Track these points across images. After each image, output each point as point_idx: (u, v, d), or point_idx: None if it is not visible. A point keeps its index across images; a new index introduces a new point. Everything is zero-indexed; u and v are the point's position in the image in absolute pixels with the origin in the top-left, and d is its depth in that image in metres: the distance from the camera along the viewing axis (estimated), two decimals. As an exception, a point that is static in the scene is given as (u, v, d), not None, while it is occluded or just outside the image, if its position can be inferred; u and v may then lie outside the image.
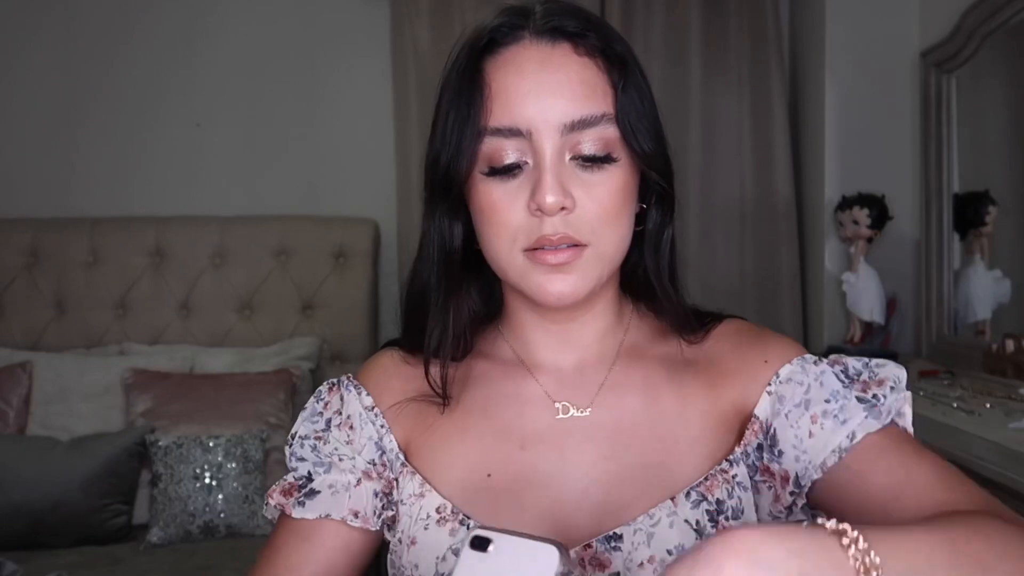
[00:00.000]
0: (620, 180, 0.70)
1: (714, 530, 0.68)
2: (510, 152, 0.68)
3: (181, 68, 2.77)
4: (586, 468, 0.72)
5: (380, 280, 2.70)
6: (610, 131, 0.69)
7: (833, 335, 2.53)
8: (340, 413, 0.78)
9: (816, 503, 0.70)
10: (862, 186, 2.40)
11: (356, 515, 0.74)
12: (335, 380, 0.81)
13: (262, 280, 2.63)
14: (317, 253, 2.64)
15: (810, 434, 0.68)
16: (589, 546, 0.68)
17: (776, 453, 0.70)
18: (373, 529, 0.75)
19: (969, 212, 2.23)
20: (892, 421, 0.68)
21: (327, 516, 0.73)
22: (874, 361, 0.72)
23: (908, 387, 0.72)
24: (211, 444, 2.18)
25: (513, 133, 0.68)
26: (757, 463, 0.71)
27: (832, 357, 0.74)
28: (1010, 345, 1.87)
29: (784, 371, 0.72)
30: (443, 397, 0.76)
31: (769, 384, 0.72)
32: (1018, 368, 1.83)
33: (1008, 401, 1.64)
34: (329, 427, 0.78)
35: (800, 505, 0.71)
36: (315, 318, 2.64)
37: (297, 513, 0.74)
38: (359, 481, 0.75)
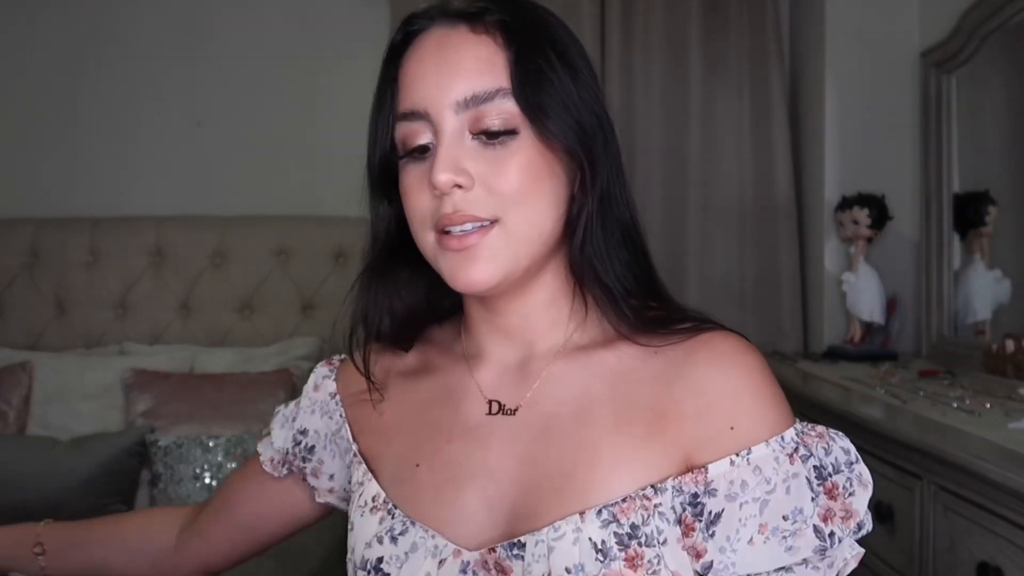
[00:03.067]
0: (527, 156, 0.68)
1: (622, 553, 0.63)
2: (419, 135, 0.70)
3: (181, 68, 2.77)
4: (506, 468, 0.71)
5: (380, 280, 2.70)
6: (509, 105, 0.68)
7: (833, 335, 2.53)
8: (314, 394, 0.87)
9: None
10: (862, 186, 2.40)
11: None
12: (328, 359, 0.90)
13: (262, 280, 2.63)
14: (317, 253, 2.64)
15: (751, 540, 0.64)
16: (493, 550, 0.66)
17: (710, 533, 0.65)
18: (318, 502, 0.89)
19: (969, 212, 2.22)
20: None
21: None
22: (858, 468, 0.66)
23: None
24: (211, 444, 2.18)
25: (417, 116, 0.69)
26: (686, 509, 0.66)
27: (820, 430, 0.68)
28: (1010, 345, 1.87)
29: (756, 453, 0.65)
30: (367, 378, 0.80)
31: (736, 455, 0.65)
32: (1018, 368, 1.83)
33: (1008, 401, 1.64)
34: (298, 406, 0.88)
35: None
36: (315, 318, 2.64)
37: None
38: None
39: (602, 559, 0.63)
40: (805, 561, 0.64)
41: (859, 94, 2.50)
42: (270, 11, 2.79)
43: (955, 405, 1.62)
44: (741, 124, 2.69)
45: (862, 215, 2.34)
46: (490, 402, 0.74)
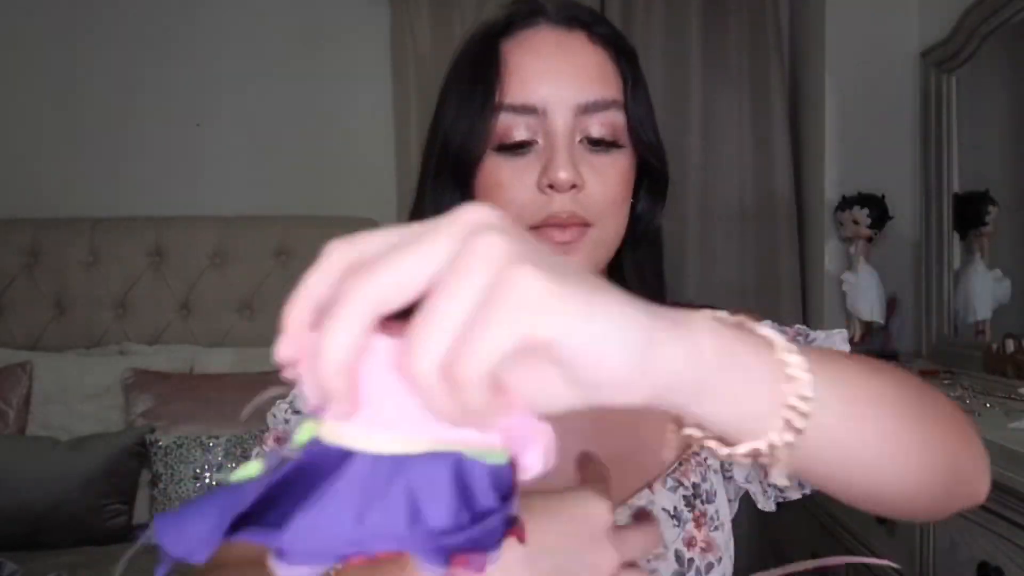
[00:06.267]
0: (624, 166, 0.71)
1: (691, 515, 0.69)
2: (522, 129, 0.68)
3: (181, 68, 2.77)
4: (564, 462, 0.72)
5: (380, 280, 2.70)
6: (618, 118, 0.70)
7: (833, 335, 2.53)
8: None
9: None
10: (862, 186, 2.40)
11: None
12: None
13: (262, 280, 2.63)
14: (317, 253, 2.62)
15: None
16: None
17: None
18: None
19: (969, 212, 2.22)
20: None
21: None
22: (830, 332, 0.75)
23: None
24: (211, 444, 2.18)
25: (527, 111, 0.68)
26: None
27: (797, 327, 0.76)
28: (1010, 345, 1.87)
29: None
30: None
31: None
32: (1018, 368, 1.83)
33: (1008, 401, 1.64)
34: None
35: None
36: (315, 318, 2.64)
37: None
38: None
39: (677, 523, 0.68)
40: None
41: (859, 94, 2.50)
42: (271, 11, 2.79)
43: (955, 405, 1.62)
44: (741, 124, 2.69)
45: (862, 215, 2.34)
46: None
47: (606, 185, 0.69)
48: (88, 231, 2.60)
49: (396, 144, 2.71)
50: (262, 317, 2.63)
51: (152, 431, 2.24)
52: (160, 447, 2.18)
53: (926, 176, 2.35)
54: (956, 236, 2.27)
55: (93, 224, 2.62)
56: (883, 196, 2.37)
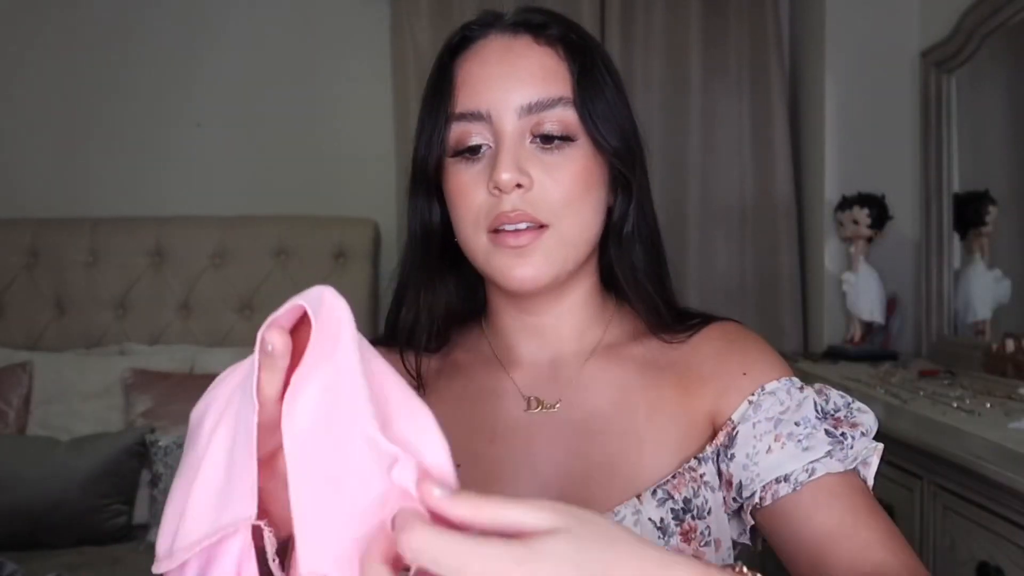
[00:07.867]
0: (580, 163, 0.71)
1: (678, 528, 0.68)
2: (474, 136, 0.71)
3: (181, 68, 2.77)
4: (553, 464, 0.73)
5: (380, 280, 2.70)
6: (569, 114, 0.71)
7: (833, 335, 2.53)
8: None
9: (760, 526, 0.70)
10: (862, 186, 2.40)
11: None
12: None
13: (262, 280, 2.63)
14: (317, 253, 2.64)
15: (769, 449, 0.69)
16: None
17: (729, 455, 0.71)
18: None
19: (969, 212, 2.22)
20: (855, 468, 0.69)
21: None
22: (856, 404, 0.73)
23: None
24: (211, 444, 2.18)
25: (476, 117, 0.71)
26: (721, 462, 0.72)
27: (818, 386, 0.74)
28: (1010, 345, 1.87)
29: (769, 386, 0.72)
30: (418, 383, 0.77)
31: (752, 394, 0.72)
32: (1018, 368, 1.83)
33: (1008, 401, 1.64)
34: None
35: (748, 524, 0.71)
36: (315, 318, 2.64)
37: None
38: None
39: (662, 536, 0.68)
40: (829, 453, 0.68)
41: (859, 94, 2.50)
42: (271, 11, 2.79)
43: (955, 405, 1.62)
44: (741, 124, 2.69)
45: (862, 215, 2.34)
46: (528, 398, 0.76)
47: (558, 183, 0.70)
48: (88, 231, 2.60)
49: (396, 144, 2.71)
50: (262, 317, 2.58)
51: (152, 431, 2.24)
52: (160, 447, 2.18)
53: (926, 176, 2.35)
54: (956, 236, 2.27)
55: (93, 224, 2.62)
56: (883, 196, 2.37)
